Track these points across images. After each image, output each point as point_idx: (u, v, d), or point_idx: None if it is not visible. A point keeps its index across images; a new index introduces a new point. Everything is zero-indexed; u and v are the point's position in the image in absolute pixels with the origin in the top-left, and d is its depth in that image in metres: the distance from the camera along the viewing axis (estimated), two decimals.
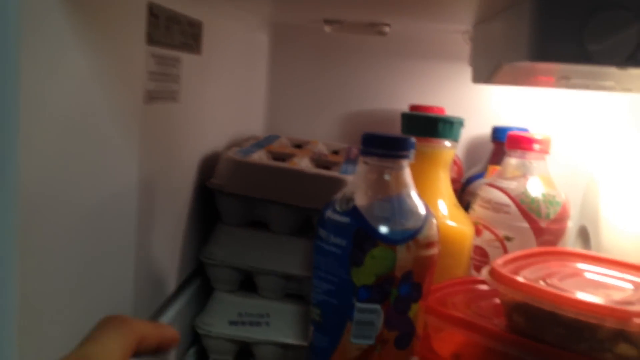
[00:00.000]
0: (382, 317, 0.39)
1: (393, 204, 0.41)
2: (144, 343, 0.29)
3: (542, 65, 0.38)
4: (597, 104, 0.83)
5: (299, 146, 0.74)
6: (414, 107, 0.82)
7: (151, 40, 0.43)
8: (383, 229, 0.39)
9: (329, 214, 0.41)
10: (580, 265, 0.47)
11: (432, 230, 0.41)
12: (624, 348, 0.37)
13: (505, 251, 0.59)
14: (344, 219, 0.40)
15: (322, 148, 0.72)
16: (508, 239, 0.60)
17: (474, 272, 0.59)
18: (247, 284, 0.58)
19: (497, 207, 0.60)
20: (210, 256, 0.57)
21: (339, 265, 0.39)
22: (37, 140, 0.29)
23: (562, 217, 0.60)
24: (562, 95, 0.84)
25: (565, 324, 0.38)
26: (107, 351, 0.27)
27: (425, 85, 0.88)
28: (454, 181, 0.60)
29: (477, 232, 0.60)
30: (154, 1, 0.43)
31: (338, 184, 0.55)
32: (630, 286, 0.43)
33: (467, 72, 0.68)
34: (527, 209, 0.60)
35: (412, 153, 0.41)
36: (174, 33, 0.47)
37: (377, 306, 0.39)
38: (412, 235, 0.39)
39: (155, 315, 0.51)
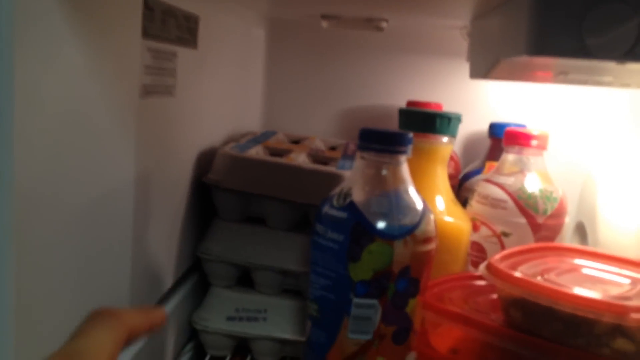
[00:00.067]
0: (380, 312, 0.39)
1: (390, 199, 0.40)
2: (134, 333, 0.29)
3: (540, 60, 0.38)
4: (595, 100, 0.83)
5: (296, 142, 0.73)
6: (411, 103, 0.82)
7: (147, 34, 0.42)
8: (380, 224, 0.39)
9: (326, 209, 0.41)
10: (578, 261, 0.47)
11: (430, 226, 0.41)
12: (621, 343, 0.38)
13: (503, 247, 0.59)
14: (342, 215, 0.40)
15: (319, 144, 0.72)
16: (505, 234, 0.60)
17: (471, 268, 0.59)
18: (244, 279, 0.58)
19: (494, 202, 0.60)
20: (207, 252, 0.57)
21: (336, 260, 0.39)
22: (32, 135, 0.29)
23: (559, 213, 0.61)
24: (560, 91, 0.84)
25: (562, 319, 0.38)
26: (97, 346, 0.27)
27: (423, 81, 0.87)
28: (451, 177, 0.60)
29: (475, 228, 0.60)
30: None
31: (335, 179, 0.55)
32: (627, 281, 0.44)
33: (464, 67, 0.68)
34: (525, 205, 0.60)
35: (409, 148, 0.41)
36: (169, 27, 0.47)
37: (375, 301, 0.39)
38: (409, 230, 0.39)
39: None
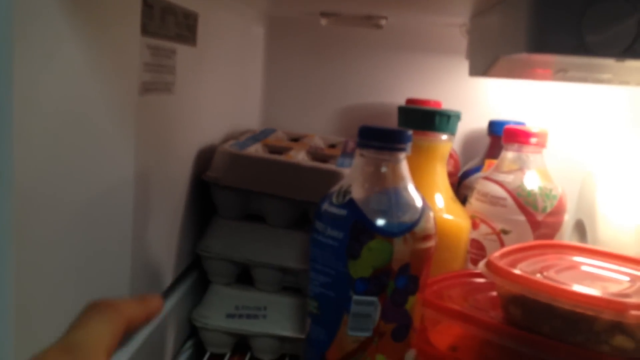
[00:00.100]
0: (379, 309, 0.39)
1: (390, 196, 0.40)
2: (133, 324, 0.29)
3: (539, 57, 0.38)
4: (595, 98, 0.83)
5: (295, 140, 0.73)
6: (410, 101, 0.82)
7: (146, 31, 0.42)
8: (380, 222, 0.39)
9: (325, 206, 0.41)
10: (577, 258, 0.47)
11: (429, 223, 0.41)
12: (620, 340, 0.38)
13: (502, 244, 0.60)
14: (341, 212, 0.40)
15: (318, 142, 0.72)
16: (505, 232, 0.60)
17: (470, 265, 0.59)
18: (244, 277, 0.58)
19: (493, 200, 0.60)
20: (206, 249, 0.57)
21: (335, 257, 0.39)
22: (31, 133, 0.29)
23: (558, 211, 0.61)
24: (559, 88, 0.84)
25: (562, 316, 0.39)
26: (95, 337, 0.26)
27: (422, 79, 0.87)
28: (450, 175, 0.60)
29: (474, 226, 0.60)
30: None
31: (335, 176, 0.55)
32: (626, 278, 0.44)
33: (464, 65, 0.68)
34: (524, 203, 0.60)
35: (409, 146, 0.41)
36: (169, 24, 0.47)
37: (374, 298, 0.39)
38: (409, 227, 0.39)
39: None
